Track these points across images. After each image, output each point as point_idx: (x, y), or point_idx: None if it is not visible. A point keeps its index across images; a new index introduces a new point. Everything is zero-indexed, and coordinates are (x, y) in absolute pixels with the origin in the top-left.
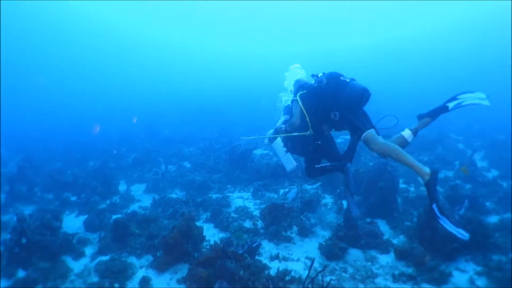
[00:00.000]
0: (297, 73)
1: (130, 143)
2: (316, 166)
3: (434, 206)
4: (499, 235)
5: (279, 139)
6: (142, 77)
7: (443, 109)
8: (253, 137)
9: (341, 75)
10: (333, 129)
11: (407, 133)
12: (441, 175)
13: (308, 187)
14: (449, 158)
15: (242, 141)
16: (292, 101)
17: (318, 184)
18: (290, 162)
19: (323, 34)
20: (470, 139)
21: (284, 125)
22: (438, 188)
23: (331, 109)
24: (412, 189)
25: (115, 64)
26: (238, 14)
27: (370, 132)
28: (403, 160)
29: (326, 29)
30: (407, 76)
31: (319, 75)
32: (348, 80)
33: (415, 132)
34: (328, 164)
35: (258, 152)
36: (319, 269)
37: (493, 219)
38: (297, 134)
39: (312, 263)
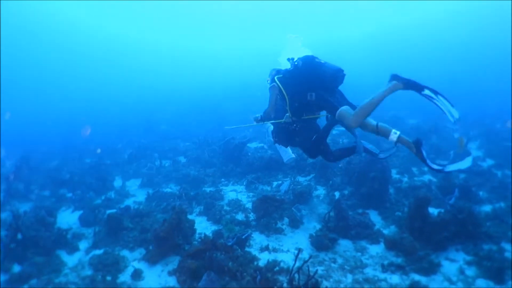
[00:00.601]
0: (296, 46)
1: (127, 139)
2: (311, 141)
3: (429, 90)
4: (491, 224)
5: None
6: (141, 77)
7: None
8: (235, 126)
9: (316, 58)
10: (310, 112)
11: (393, 136)
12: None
13: (301, 179)
14: (444, 148)
15: (236, 135)
16: (269, 89)
17: (311, 176)
18: (287, 153)
19: (316, 27)
20: (466, 128)
21: (259, 115)
22: (431, 178)
23: (307, 90)
24: (405, 179)
25: (115, 64)
26: (234, 12)
27: (343, 108)
28: (377, 101)
29: (320, 22)
30: (405, 68)
31: (295, 59)
32: (323, 62)
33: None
34: (320, 133)
35: (252, 145)
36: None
37: (486, 208)
38: (273, 121)
39: (298, 253)
